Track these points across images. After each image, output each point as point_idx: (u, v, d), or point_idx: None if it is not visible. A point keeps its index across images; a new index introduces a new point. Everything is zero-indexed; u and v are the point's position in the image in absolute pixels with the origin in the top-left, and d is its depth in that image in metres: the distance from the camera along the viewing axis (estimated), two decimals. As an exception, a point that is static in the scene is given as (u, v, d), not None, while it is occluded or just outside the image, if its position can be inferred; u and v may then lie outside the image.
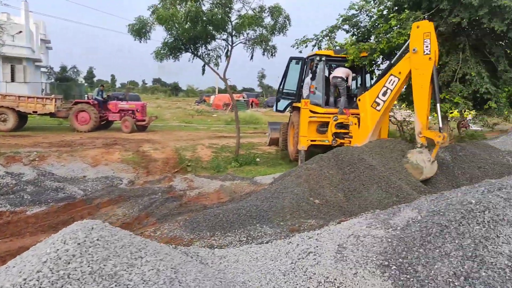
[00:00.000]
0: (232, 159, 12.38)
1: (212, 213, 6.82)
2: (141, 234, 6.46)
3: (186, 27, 10.45)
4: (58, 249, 2.38)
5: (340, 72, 10.55)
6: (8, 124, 16.84)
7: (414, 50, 7.84)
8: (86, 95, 19.40)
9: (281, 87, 12.55)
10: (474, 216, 3.06)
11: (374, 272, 3.11)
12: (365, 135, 9.06)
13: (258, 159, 12.78)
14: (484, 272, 2.69)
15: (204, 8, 10.78)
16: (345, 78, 10.60)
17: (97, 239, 2.48)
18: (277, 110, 13.14)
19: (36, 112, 17.20)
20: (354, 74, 11.05)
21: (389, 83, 8.47)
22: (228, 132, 19.27)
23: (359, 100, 9.26)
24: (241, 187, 9.51)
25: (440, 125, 7.86)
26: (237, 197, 8.55)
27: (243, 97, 42.09)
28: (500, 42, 9.23)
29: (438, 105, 7.76)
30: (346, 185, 7.69)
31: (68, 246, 2.36)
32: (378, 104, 8.74)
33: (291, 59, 11.80)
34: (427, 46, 7.65)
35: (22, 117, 17.43)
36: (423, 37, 7.70)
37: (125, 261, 2.40)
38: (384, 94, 8.58)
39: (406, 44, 8.26)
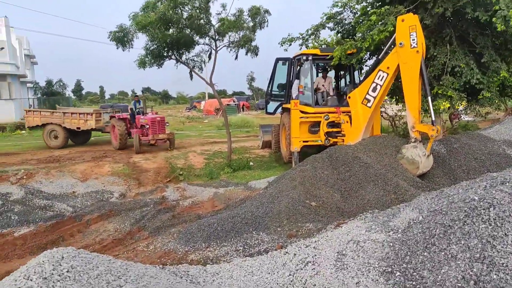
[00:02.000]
0: (225, 164, 12.16)
1: (207, 222, 6.62)
2: (134, 249, 6.24)
3: (164, 32, 10.29)
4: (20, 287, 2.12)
5: (317, 82, 11.04)
6: (59, 141, 16.65)
7: (400, 44, 7.71)
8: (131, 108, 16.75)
9: (269, 89, 12.39)
10: (479, 214, 2.88)
11: (377, 280, 2.93)
12: (358, 133, 8.91)
13: (251, 163, 12.58)
14: (495, 274, 2.51)
15: (184, 15, 10.65)
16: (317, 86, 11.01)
17: (67, 271, 2.24)
18: (267, 113, 12.98)
19: (79, 128, 16.45)
20: (331, 79, 11.40)
21: (378, 78, 8.34)
22: (220, 138, 19.06)
23: (349, 97, 9.12)
24: (236, 193, 9.29)
25: (433, 118, 7.73)
26: (232, 204, 8.34)
27: (234, 101, 41.91)
28: (486, 32, 9.15)
29: (429, 98, 7.63)
30: (342, 185, 7.52)
31: (31, 283, 2.10)
32: (369, 101, 8.60)
33: (277, 60, 11.65)
34: (413, 39, 7.53)
35: (73, 132, 16.97)
36: (409, 31, 7.59)
37: (101, 293, 2.17)
38: (374, 90, 8.44)
39: (392, 39, 8.13)
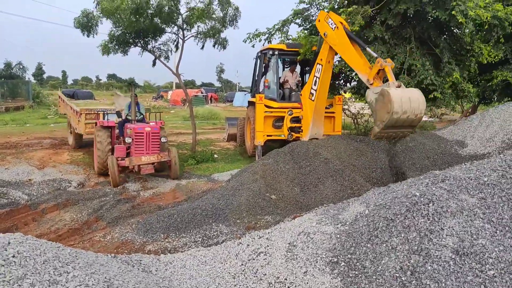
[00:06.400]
0: (189, 156, 12.11)
1: (167, 213, 6.61)
2: (90, 240, 6.15)
3: (133, 19, 10.06)
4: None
5: (284, 75, 11.19)
6: (71, 138, 12.97)
7: (325, 34, 8.26)
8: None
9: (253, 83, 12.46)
10: (419, 209, 3.08)
11: (323, 269, 3.07)
12: (307, 127, 9.26)
13: (216, 156, 12.59)
14: (430, 266, 2.70)
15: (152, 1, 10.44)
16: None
17: (13, 256, 2.23)
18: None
19: (75, 129, 12.09)
20: (298, 74, 11.52)
21: (316, 72, 8.86)
22: (186, 129, 18.90)
23: (301, 94, 9.50)
24: (198, 185, 9.31)
25: (375, 55, 7.50)
26: (193, 196, 8.36)
27: (202, 92, 41.57)
28: (444, 36, 9.58)
29: (366, 47, 7.64)
30: (302, 179, 7.70)
31: (-26, 267, 2.09)
32: (312, 95, 9.08)
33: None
34: (331, 23, 8.04)
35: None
36: (325, 22, 8.18)
37: (46, 279, 2.17)
38: (315, 83, 8.95)
39: (319, 38, 8.80)
